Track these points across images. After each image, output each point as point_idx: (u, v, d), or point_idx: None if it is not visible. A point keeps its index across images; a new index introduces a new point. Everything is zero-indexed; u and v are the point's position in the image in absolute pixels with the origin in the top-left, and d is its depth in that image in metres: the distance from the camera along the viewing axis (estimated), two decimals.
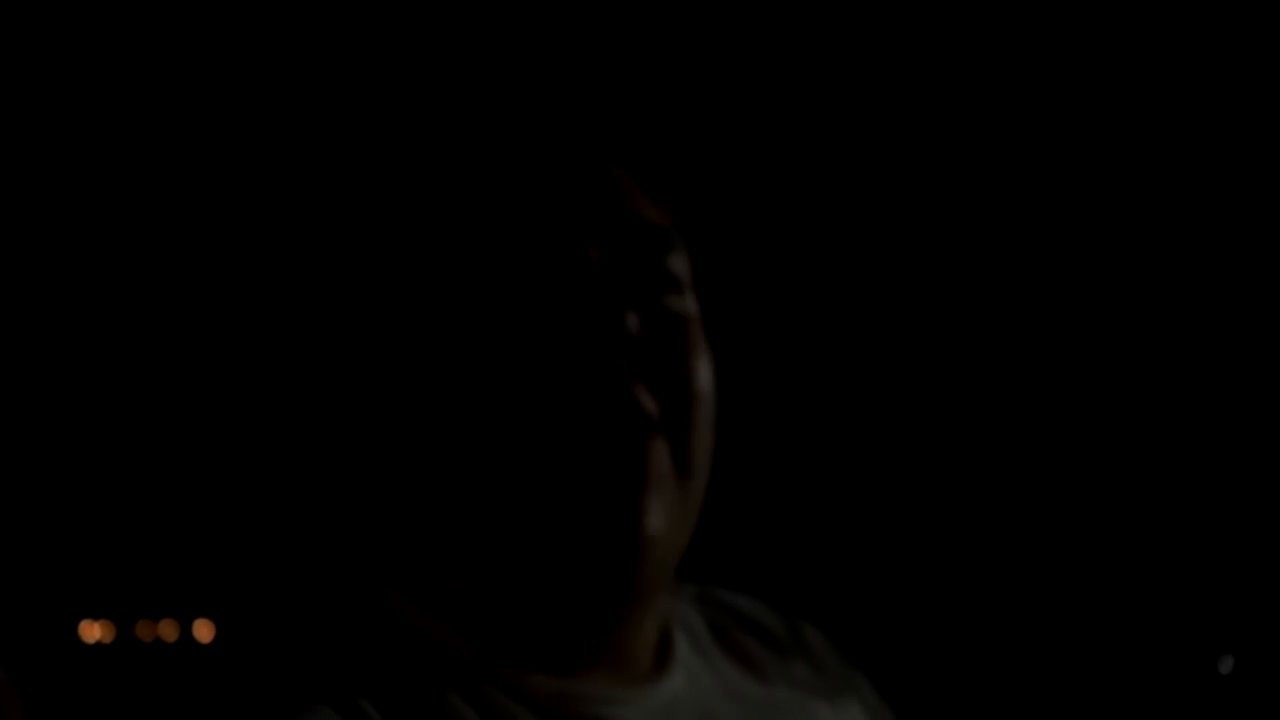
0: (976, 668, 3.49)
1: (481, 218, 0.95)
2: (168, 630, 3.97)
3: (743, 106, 3.30)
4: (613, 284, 0.93)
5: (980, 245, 3.52)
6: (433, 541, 0.95)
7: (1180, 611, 3.50)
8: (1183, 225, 3.43)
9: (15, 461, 3.75)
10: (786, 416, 3.50)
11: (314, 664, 0.91)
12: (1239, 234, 3.40)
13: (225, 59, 3.23)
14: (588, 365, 0.91)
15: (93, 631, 3.96)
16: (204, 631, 3.92)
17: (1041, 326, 3.53)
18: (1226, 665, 3.42)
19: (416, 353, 0.94)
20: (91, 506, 3.88)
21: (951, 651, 3.50)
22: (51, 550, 3.85)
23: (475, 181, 0.96)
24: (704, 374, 0.97)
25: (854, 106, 3.38)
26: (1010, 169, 3.45)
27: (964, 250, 3.52)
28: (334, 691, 0.88)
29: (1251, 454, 3.46)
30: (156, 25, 3.22)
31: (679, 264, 0.98)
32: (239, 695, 0.89)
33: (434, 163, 0.98)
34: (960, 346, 3.54)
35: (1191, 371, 3.51)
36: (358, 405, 0.97)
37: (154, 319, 3.63)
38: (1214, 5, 3.18)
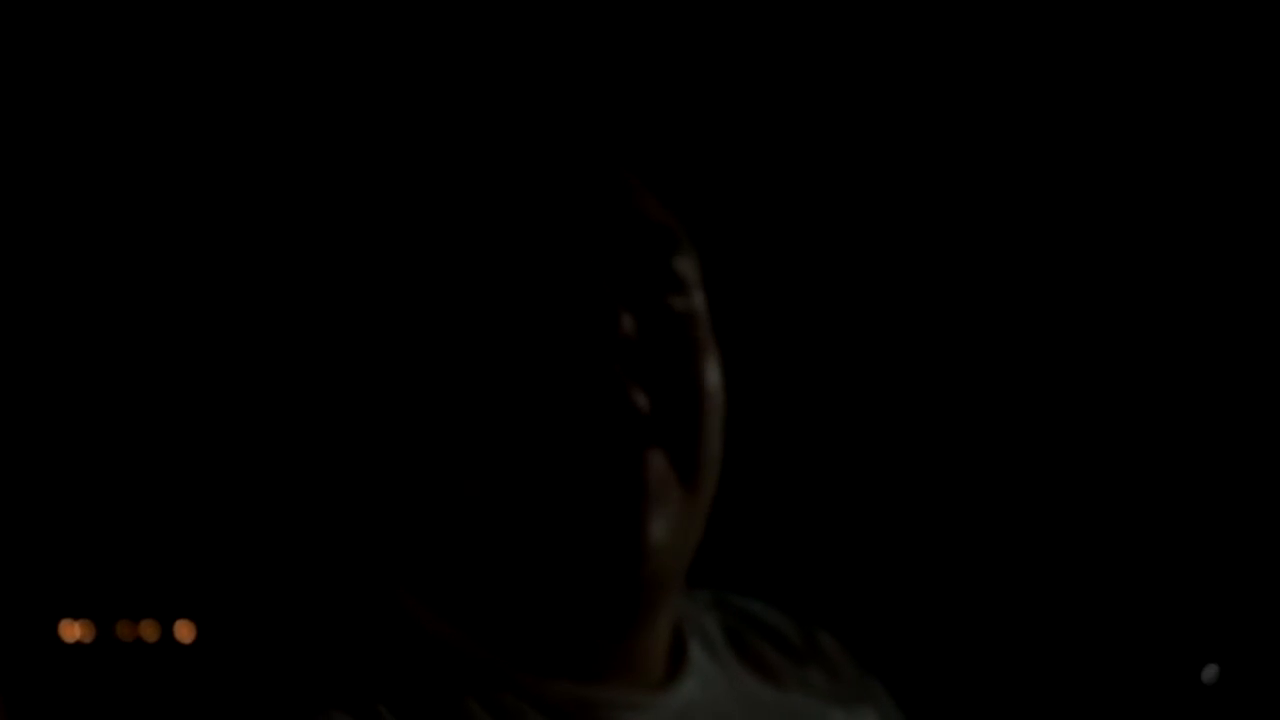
0: (991, 676, 3.50)
1: (484, 221, 0.94)
2: (148, 630, 3.97)
3: (753, 108, 3.30)
4: (611, 286, 0.92)
5: (994, 244, 3.52)
6: (442, 547, 0.94)
7: (1165, 621, 3.51)
8: (1183, 225, 3.44)
9: None
10: (802, 419, 3.49)
11: (330, 668, 0.90)
12: (1239, 234, 3.41)
13: (239, 61, 3.23)
14: (582, 369, 0.90)
15: (73, 631, 3.96)
16: (185, 632, 3.92)
17: (1055, 339, 3.54)
18: (1210, 674, 3.43)
19: (416, 355, 0.93)
20: (73, 505, 3.87)
21: (967, 659, 3.51)
22: (31, 548, 3.84)
23: (479, 185, 0.95)
24: (711, 376, 0.96)
25: (864, 108, 3.38)
26: (1018, 170, 3.45)
27: (976, 250, 3.52)
28: (350, 696, 0.88)
29: (1240, 466, 3.47)
30: (162, 26, 3.22)
31: (686, 265, 0.97)
32: (245, 699, 0.88)
33: (438, 165, 0.97)
34: (980, 351, 3.54)
35: (1181, 391, 3.52)
36: (360, 408, 0.96)
37: (152, 320, 3.62)
38: (1214, 5, 3.19)
